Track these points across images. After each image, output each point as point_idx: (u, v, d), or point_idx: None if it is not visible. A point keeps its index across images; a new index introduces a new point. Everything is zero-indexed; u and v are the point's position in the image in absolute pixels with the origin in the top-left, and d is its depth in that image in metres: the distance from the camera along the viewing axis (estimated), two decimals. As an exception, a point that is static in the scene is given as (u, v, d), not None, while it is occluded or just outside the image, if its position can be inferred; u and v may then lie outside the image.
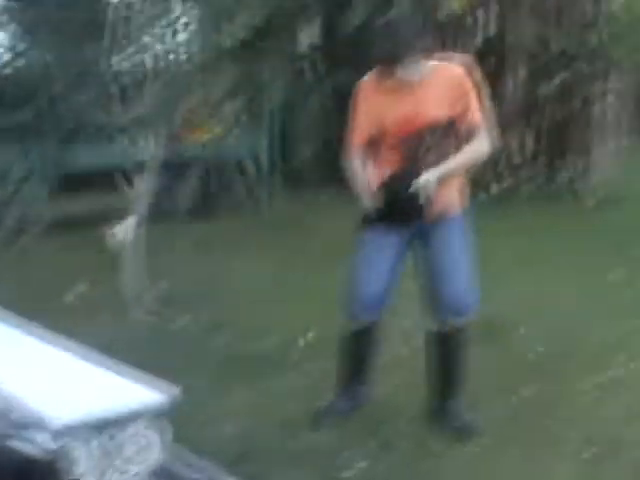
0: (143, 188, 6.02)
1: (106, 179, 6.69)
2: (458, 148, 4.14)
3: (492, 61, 10.70)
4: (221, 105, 8.80)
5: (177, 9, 6.46)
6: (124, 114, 6.15)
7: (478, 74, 4.13)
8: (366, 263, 4.18)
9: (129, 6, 6.19)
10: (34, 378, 2.60)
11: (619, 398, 4.68)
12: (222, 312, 5.91)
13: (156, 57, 6.27)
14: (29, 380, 2.56)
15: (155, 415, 2.60)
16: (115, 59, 6.15)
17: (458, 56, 4.74)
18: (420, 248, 4.21)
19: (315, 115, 11.14)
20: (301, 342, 5.38)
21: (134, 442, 2.50)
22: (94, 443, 2.34)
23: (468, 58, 4.35)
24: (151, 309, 5.90)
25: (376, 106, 4.07)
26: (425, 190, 3.99)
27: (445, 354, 4.31)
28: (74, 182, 8.16)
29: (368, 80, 4.15)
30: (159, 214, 8.22)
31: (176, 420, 3.34)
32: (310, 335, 5.46)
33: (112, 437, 2.40)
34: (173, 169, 8.60)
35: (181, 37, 6.44)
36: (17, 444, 2.31)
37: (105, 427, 2.39)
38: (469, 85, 4.07)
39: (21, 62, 7.47)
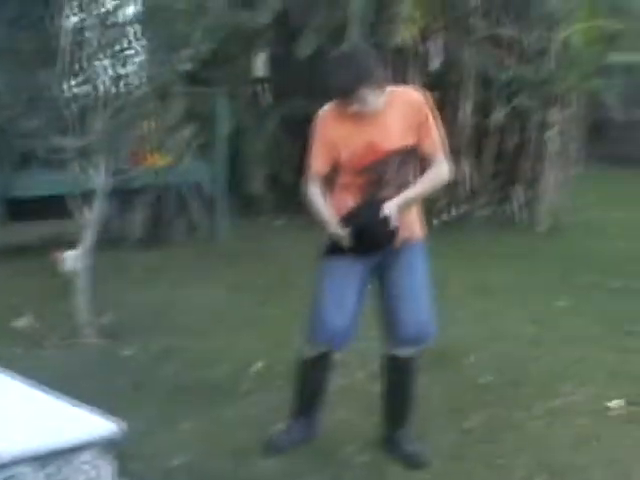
0: (92, 216, 5.98)
1: (58, 205, 6.65)
2: (418, 174, 4.17)
3: (444, 89, 10.81)
4: (173, 132, 8.78)
5: (130, 35, 6.44)
6: (76, 140, 6.12)
7: (431, 102, 4.17)
8: (332, 293, 4.14)
9: (81, 31, 6.17)
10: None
11: (568, 424, 4.73)
12: (172, 340, 5.88)
13: (108, 83, 6.24)
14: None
15: (103, 446, 2.58)
16: (67, 85, 6.11)
17: (410, 87, 4.79)
18: (381, 275, 4.22)
19: (267, 142, 11.17)
20: (252, 370, 5.36)
21: (82, 473, 2.48)
22: (41, 475, 2.33)
23: (419, 89, 4.40)
24: (101, 336, 5.86)
25: (337, 135, 4.07)
26: (394, 216, 4.02)
27: (398, 381, 4.32)
28: (26, 208, 8.11)
29: (327, 110, 4.16)
30: (110, 241, 8.20)
31: (124, 452, 3.32)
32: (261, 363, 5.44)
33: (59, 469, 2.38)
34: (124, 196, 8.58)
35: (134, 64, 6.42)
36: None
37: (52, 459, 2.38)
38: (427, 110, 4.10)
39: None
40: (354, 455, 4.28)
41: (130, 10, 6.46)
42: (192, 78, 8.43)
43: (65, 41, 6.04)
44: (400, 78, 10.24)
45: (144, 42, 6.50)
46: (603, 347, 6.08)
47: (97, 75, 6.07)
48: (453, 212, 11.08)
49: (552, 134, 11.11)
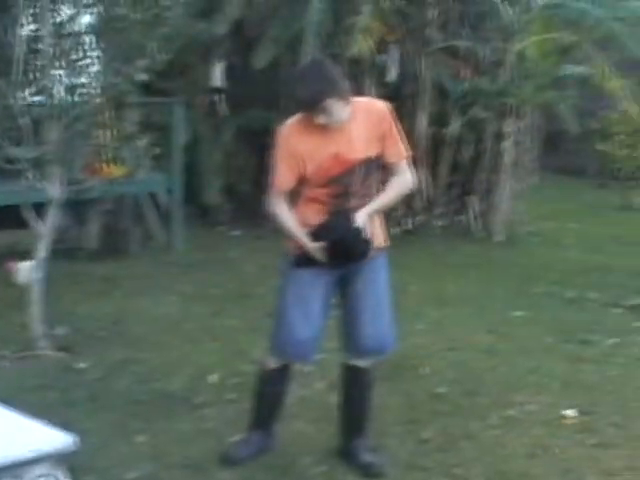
0: (46, 226, 5.93)
1: (12, 216, 6.59)
2: (383, 183, 4.18)
3: (401, 100, 10.86)
4: (129, 142, 8.73)
5: (86, 45, 6.41)
6: (30, 150, 6.07)
7: (391, 112, 4.19)
8: (299, 304, 4.13)
9: (36, 41, 6.13)
10: None
11: (523, 434, 4.76)
12: (128, 352, 5.84)
13: (64, 93, 6.20)
14: None
15: (58, 459, 2.56)
16: (22, 95, 6.06)
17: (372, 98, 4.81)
18: (344, 286, 4.22)
19: (224, 152, 11.16)
20: (208, 382, 5.34)
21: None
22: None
23: (380, 99, 4.42)
24: (56, 348, 5.81)
25: (302, 149, 4.04)
26: (366, 226, 4.03)
27: (356, 391, 4.33)
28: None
29: (290, 124, 4.14)
30: (66, 252, 8.13)
31: (79, 465, 3.29)
32: (217, 374, 5.42)
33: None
34: (80, 207, 8.52)
35: (89, 74, 6.38)
36: None
37: (6, 471, 2.35)
38: (391, 120, 4.12)
39: None
40: (311, 466, 4.28)
41: (85, 20, 6.42)
42: (148, 88, 8.39)
43: (20, 50, 5.99)
44: (357, 89, 10.29)
45: (99, 52, 6.46)
46: (557, 357, 6.14)
47: (52, 85, 6.02)
48: (410, 222, 11.13)
49: (507, 145, 11.21)
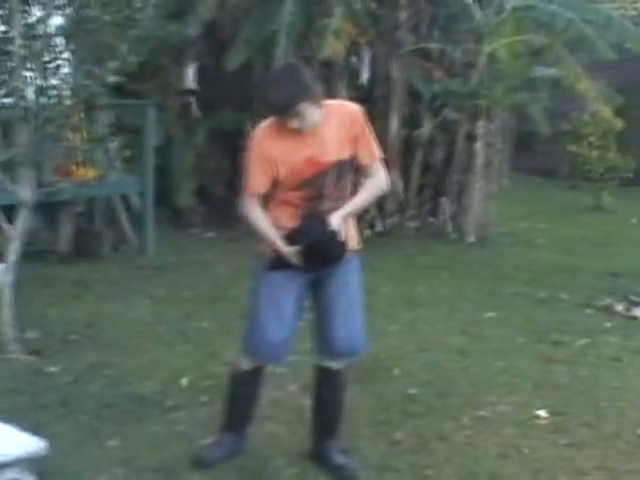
0: (17, 229, 5.89)
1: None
2: (356, 185, 4.19)
3: (373, 102, 10.89)
4: (101, 144, 8.70)
5: (57, 46, 6.37)
6: (2, 152, 6.04)
7: (364, 114, 4.19)
8: (272, 306, 4.13)
9: (6, 42, 6.09)
10: None
11: (495, 434, 4.78)
12: (99, 355, 5.81)
13: (34, 95, 6.16)
14: None
15: (28, 463, 2.55)
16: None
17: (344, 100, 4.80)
18: (318, 288, 4.22)
19: (196, 154, 11.14)
20: (179, 385, 5.32)
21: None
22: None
23: (352, 102, 4.43)
24: (27, 352, 5.77)
25: (276, 152, 4.04)
26: (341, 229, 4.03)
27: (328, 393, 4.34)
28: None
29: (263, 127, 4.13)
30: (37, 255, 8.09)
31: (49, 469, 3.29)
32: (189, 378, 5.40)
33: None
34: (51, 210, 8.48)
35: (60, 75, 6.34)
36: None
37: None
38: (363, 122, 4.13)
39: None
40: (284, 468, 4.28)
41: (56, 21, 6.38)
42: (120, 90, 8.36)
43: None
44: (329, 91, 10.30)
45: (70, 54, 6.43)
46: (529, 357, 6.17)
47: (23, 86, 5.98)
48: (382, 224, 11.16)
49: (478, 147, 11.26)
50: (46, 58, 6.21)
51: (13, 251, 5.88)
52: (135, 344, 6.11)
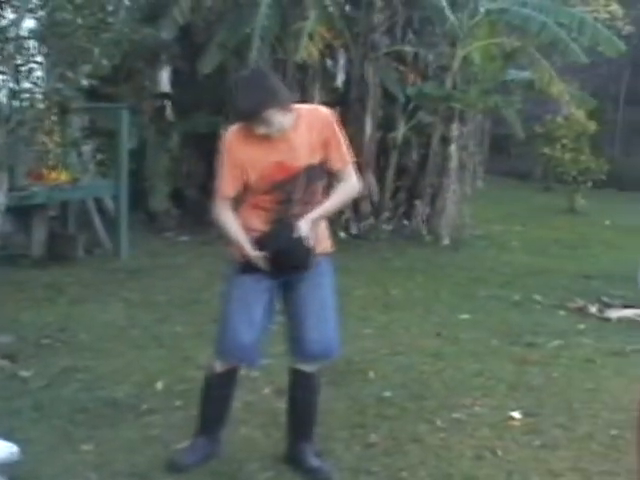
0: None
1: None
2: (327, 188, 4.18)
3: (348, 105, 10.91)
4: (74, 147, 8.66)
5: (30, 49, 6.33)
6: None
7: (336, 118, 4.20)
8: (241, 308, 4.12)
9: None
10: None
11: (469, 436, 4.79)
12: (72, 359, 5.78)
13: (7, 98, 6.14)
14: None
15: (0, 468, 2.53)
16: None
17: (316, 104, 4.80)
18: (289, 290, 4.21)
19: (171, 157, 11.11)
20: (153, 389, 5.29)
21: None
22: None
23: (326, 105, 4.42)
24: (0, 356, 5.73)
25: (245, 157, 4.03)
26: (309, 235, 4.02)
27: (302, 396, 4.33)
28: None
29: (234, 131, 4.12)
30: (10, 259, 8.04)
31: (23, 474, 3.26)
32: (163, 382, 5.38)
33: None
34: (24, 213, 8.43)
35: (33, 78, 6.32)
36: None
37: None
38: (335, 126, 4.12)
39: None
40: (258, 472, 4.26)
41: (29, 24, 6.36)
42: (94, 93, 8.33)
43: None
44: (304, 94, 10.32)
45: (43, 57, 6.40)
46: (503, 359, 6.19)
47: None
48: (357, 227, 11.17)
49: (453, 149, 11.30)
50: (19, 61, 6.19)
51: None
52: (109, 348, 6.08)
